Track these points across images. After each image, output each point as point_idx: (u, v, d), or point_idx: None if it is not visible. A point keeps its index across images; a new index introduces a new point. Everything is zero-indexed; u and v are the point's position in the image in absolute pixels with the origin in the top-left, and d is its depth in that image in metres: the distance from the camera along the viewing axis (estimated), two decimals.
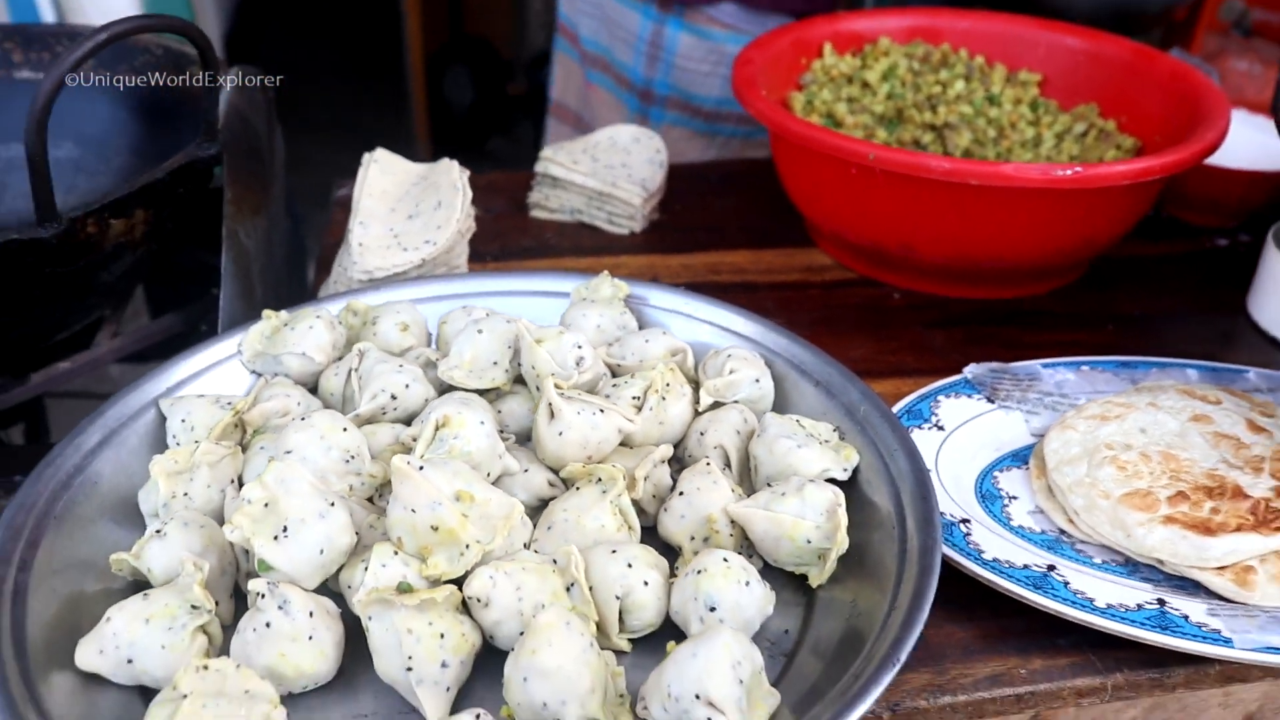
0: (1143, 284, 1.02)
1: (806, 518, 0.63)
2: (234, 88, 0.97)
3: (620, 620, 0.60)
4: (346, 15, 4.79)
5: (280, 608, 0.57)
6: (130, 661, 0.57)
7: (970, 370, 0.82)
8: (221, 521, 0.66)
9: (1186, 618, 0.61)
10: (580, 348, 0.72)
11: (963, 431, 0.77)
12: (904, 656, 0.53)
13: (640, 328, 0.80)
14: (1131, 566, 0.66)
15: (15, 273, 0.76)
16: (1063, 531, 0.69)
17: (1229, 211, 1.10)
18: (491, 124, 3.47)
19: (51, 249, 0.75)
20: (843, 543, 0.62)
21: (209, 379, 0.77)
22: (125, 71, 1.09)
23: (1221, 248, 1.09)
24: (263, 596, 0.57)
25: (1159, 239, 1.10)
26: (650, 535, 0.67)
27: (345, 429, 0.66)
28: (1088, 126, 1.10)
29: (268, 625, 0.57)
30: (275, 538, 0.59)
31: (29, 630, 0.58)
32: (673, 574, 0.63)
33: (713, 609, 0.59)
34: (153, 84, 1.08)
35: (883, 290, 0.99)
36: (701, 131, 1.57)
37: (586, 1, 1.60)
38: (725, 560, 0.60)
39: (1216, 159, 1.05)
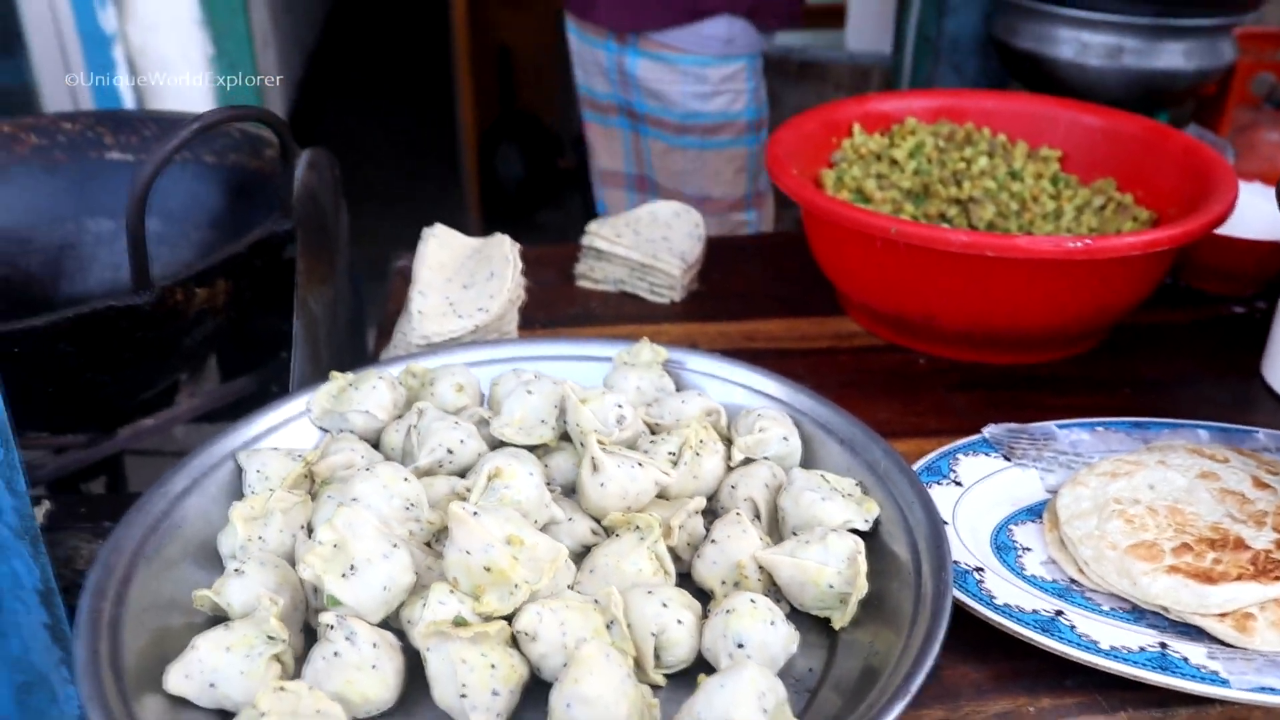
0: (1160, 350, 1.07)
1: (829, 564, 0.68)
2: (306, 168, 1.05)
3: (656, 656, 0.66)
4: (403, 94, 4.98)
5: (348, 639, 0.63)
6: (213, 685, 0.63)
7: (988, 430, 0.87)
8: (293, 563, 0.72)
9: (1186, 660, 0.65)
10: (621, 407, 0.78)
11: (980, 487, 0.82)
12: (915, 689, 0.58)
13: (678, 390, 0.86)
14: (1138, 613, 0.71)
15: (111, 336, 0.84)
16: (1073, 581, 0.74)
17: (1245, 280, 1.15)
18: (541, 197, 3.58)
19: (144, 315, 0.83)
20: (862, 588, 0.68)
21: (281, 434, 0.84)
22: (207, 153, 1.18)
23: (1238, 315, 1.13)
24: (332, 628, 0.63)
25: (1177, 307, 1.14)
26: (685, 579, 0.73)
27: (406, 479, 0.73)
28: (1106, 200, 1.16)
29: (336, 654, 0.63)
30: (344, 575, 0.66)
31: (124, 657, 0.64)
32: (705, 615, 0.68)
33: (741, 646, 0.64)
34: (230, 164, 1.18)
35: (908, 356, 1.04)
36: (673, 145, 1.84)
37: (576, 56, 1.90)
38: (753, 601, 0.65)
39: (1231, 230, 1.10)
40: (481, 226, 3.43)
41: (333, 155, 1.12)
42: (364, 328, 1.31)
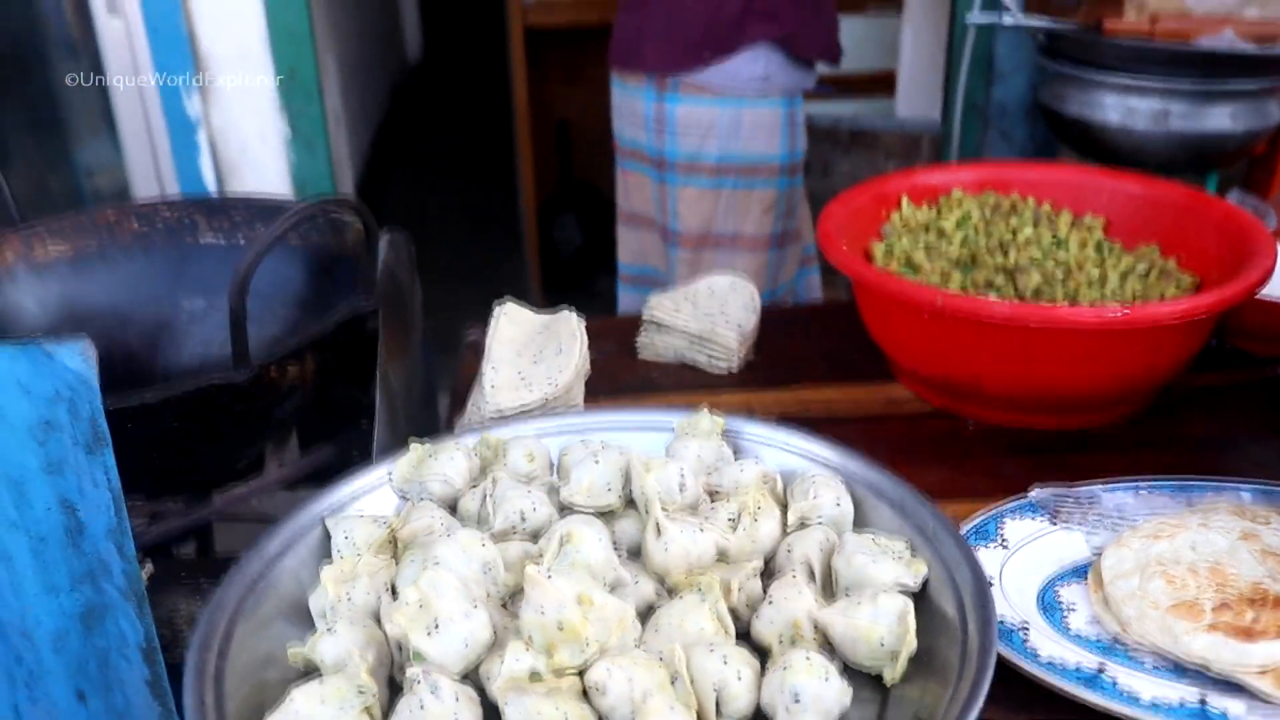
0: (1205, 411, 1.09)
1: (880, 622, 0.73)
2: (386, 248, 1.13)
3: (717, 709, 0.70)
4: (464, 165, 5.13)
5: (432, 691, 0.68)
6: None
7: (1034, 493, 0.91)
8: (378, 621, 0.78)
9: (1226, 714, 0.68)
10: (683, 475, 0.83)
11: (1027, 549, 0.85)
12: None
13: (735, 457, 0.91)
14: (1179, 670, 0.74)
15: (213, 410, 0.91)
16: (1117, 639, 0.77)
17: None
18: (598, 263, 3.67)
19: (243, 390, 0.90)
20: (912, 644, 0.71)
21: (365, 500, 0.90)
22: (292, 235, 1.27)
23: None
24: (418, 682, 0.69)
25: (1222, 369, 1.17)
26: (744, 637, 0.77)
27: (484, 544, 0.78)
28: (1150, 265, 1.19)
29: (421, 706, 0.68)
30: (428, 633, 0.71)
31: (227, 707, 0.70)
32: (763, 670, 0.72)
33: (797, 700, 0.68)
34: (312, 244, 1.26)
35: (957, 421, 1.08)
36: (708, 188, 1.94)
37: (616, 109, 2.03)
38: (808, 658, 0.70)
39: (1275, 294, 1.13)
40: (541, 293, 3.52)
41: (408, 234, 1.19)
42: (435, 394, 1.38)
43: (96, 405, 0.79)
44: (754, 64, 1.88)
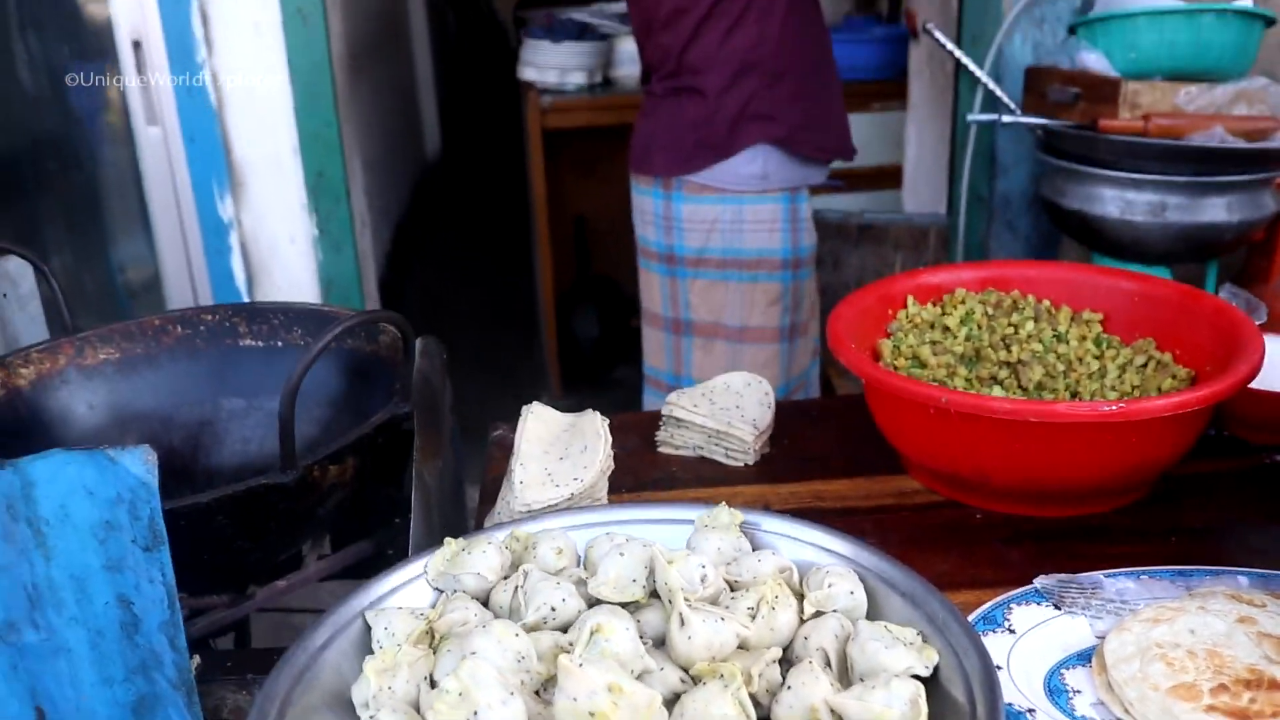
0: (1204, 499, 1.14)
1: (893, 707, 0.77)
2: (420, 354, 1.19)
3: None
4: (483, 259, 5.24)
5: None
6: None
7: (1039, 581, 0.95)
8: (418, 709, 0.82)
9: None
10: (704, 567, 0.88)
11: (1033, 635, 0.89)
12: None
13: (753, 549, 0.96)
14: None
15: (260, 509, 0.97)
16: None
17: None
18: (615, 355, 3.75)
19: (289, 490, 0.96)
20: None
21: (402, 594, 0.95)
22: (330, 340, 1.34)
23: (1279, 463, 1.21)
24: None
25: (1221, 457, 1.22)
26: None
27: (517, 634, 0.83)
28: (1147, 359, 1.25)
29: None
30: None
31: None
32: None
33: None
34: (349, 348, 1.33)
35: (965, 511, 1.13)
36: (717, 280, 2.04)
37: (634, 208, 2.16)
38: None
39: (1268, 384, 1.18)
40: (559, 384, 3.59)
41: (440, 340, 1.26)
42: (463, 487, 1.44)
43: (155, 507, 0.85)
44: (753, 163, 1.98)
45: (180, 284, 2.55)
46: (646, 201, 2.09)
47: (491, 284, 4.98)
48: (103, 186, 2.68)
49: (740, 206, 2.00)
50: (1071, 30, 2.21)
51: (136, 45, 2.35)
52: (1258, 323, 1.19)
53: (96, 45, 2.49)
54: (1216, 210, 2.03)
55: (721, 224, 2.01)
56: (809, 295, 2.13)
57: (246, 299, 2.49)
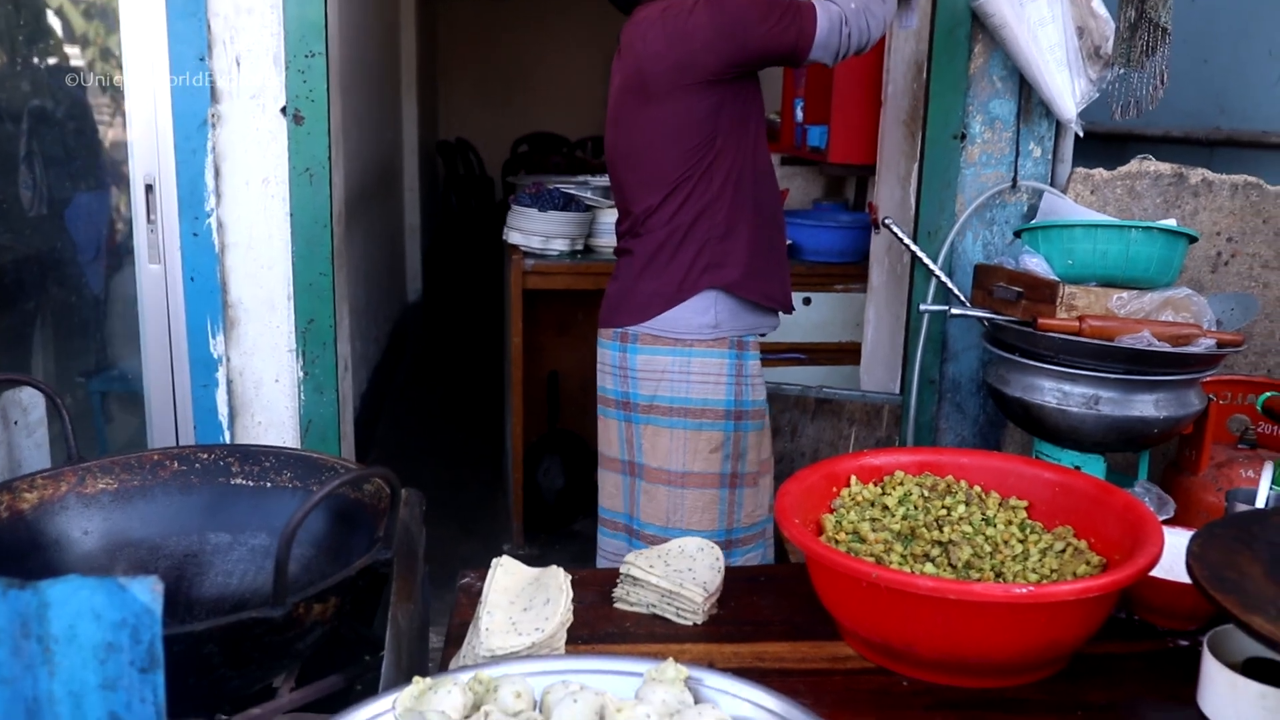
0: (1112, 678, 1.24)
1: None
2: (402, 505, 1.30)
3: None
4: (453, 405, 5.37)
5: None
6: None
7: None
8: None
9: None
10: (650, 717, 0.97)
11: None
12: None
13: (696, 703, 1.05)
14: None
15: (247, 640, 1.05)
16: None
17: (1185, 616, 1.33)
18: (578, 506, 3.83)
19: (275, 624, 1.04)
20: None
21: None
22: (314, 484, 1.44)
23: (1182, 648, 1.31)
24: None
25: (1129, 639, 1.33)
26: None
27: None
28: (1065, 544, 1.37)
29: None
30: None
31: None
32: None
33: None
34: (335, 494, 1.43)
35: (893, 678, 1.23)
36: (664, 427, 2.20)
37: (598, 360, 2.33)
38: None
39: (1167, 574, 1.30)
40: (522, 533, 3.66)
41: (421, 494, 1.37)
42: (427, 627, 1.52)
43: (157, 633, 0.94)
44: (705, 313, 2.17)
45: (163, 412, 2.63)
46: (606, 354, 2.28)
47: (459, 429, 5.09)
48: (95, 310, 2.80)
49: (689, 359, 2.18)
50: (1017, 234, 2.41)
51: (149, 188, 2.50)
52: (1163, 518, 1.32)
53: (110, 181, 2.65)
54: (1145, 406, 2.18)
55: (670, 374, 2.18)
56: (754, 448, 2.27)
57: (228, 432, 2.58)
